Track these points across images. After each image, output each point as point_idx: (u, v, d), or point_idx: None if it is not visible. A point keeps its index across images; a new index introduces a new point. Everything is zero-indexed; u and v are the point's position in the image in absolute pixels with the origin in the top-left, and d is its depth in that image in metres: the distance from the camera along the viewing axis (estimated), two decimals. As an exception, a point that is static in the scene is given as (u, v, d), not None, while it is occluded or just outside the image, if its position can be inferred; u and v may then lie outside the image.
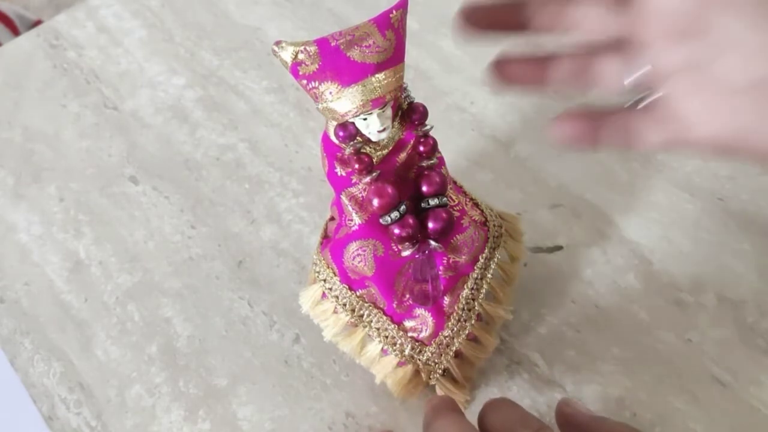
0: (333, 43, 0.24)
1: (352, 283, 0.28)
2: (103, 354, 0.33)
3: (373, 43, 0.24)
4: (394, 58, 0.24)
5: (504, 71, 0.27)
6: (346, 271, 0.28)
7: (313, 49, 0.24)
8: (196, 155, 0.40)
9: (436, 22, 0.45)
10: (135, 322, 0.34)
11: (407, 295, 0.27)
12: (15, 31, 0.72)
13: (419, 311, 0.28)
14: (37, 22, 0.76)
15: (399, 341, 0.28)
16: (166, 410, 0.31)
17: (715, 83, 0.25)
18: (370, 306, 0.28)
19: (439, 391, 0.29)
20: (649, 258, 0.34)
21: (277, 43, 0.24)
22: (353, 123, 0.25)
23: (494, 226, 0.29)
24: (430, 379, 0.29)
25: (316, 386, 0.31)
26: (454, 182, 0.29)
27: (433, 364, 0.28)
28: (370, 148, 0.26)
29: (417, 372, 0.29)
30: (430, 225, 0.26)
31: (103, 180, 0.39)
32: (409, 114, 0.27)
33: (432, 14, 0.45)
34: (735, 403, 0.30)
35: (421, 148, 0.27)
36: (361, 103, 0.24)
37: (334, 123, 0.25)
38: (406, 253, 0.26)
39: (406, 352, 0.28)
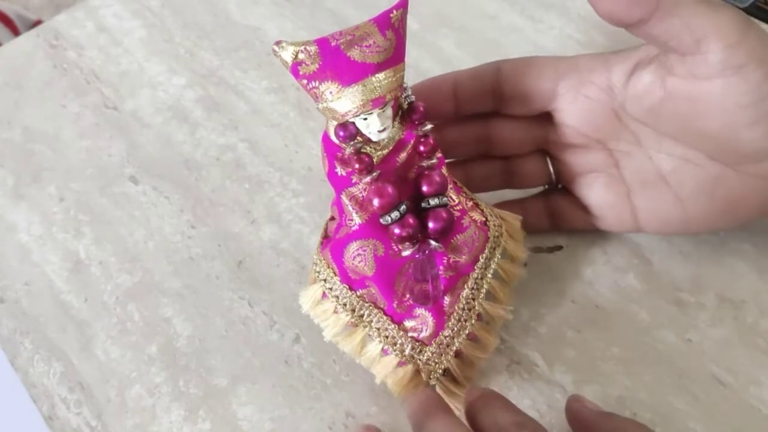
0: (333, 43, 0.24)
1: (352, 282, 0.28)
2: (103, 354, 0.33)
3: (374, 42, 0.24)
4: (394, 57, 0.24)
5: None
6: (347, 270, 0.28)
7: (313, 48, 0.24)
8: (196, 155, 0.40)
9: (436, 22, 0.45)
10: (135, 322, 0.34)
11: (407, 295, 0.27)
12: (15, 31, 0.72)
13: (419, 311, 0.28)
14: (37, 22, 0.76)
15: (399, 341, 0.28)
16: (166, 410, 0.31)
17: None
18: (370, 306, 0.28)
19: (440, 391, 0.29)
20: (649, 258, 0.34)
21: (278, 43, 0.24)
22: (353, 123, 0.25)
23: (494, 226, 0.29)
24: (430, 378, 0.29)
25: (316, 386, 0.31)
26: (455, 182, 0.29)
27: (433, 363, 0.28)
28: (371, 148, 0.26)
29: (417, 372, 0.29)
30: (431, 225, 0.26)
31: (103, 180, 0.39)
32: (409, 114, 0.27)
33: (432, 14, 0.45)
34: (735, 403, 0.30)
35: (422, 148, 0.27)
36: (361, 102, 0.24)
37: (335, 123, 0.25)
38: (406, 253, 0.26)
39: (407, 352, 0.28)
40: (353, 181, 0.26)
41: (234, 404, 0.31)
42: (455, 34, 0.44)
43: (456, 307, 0.28)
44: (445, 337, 0.28)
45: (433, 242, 0.26)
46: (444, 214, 0.26)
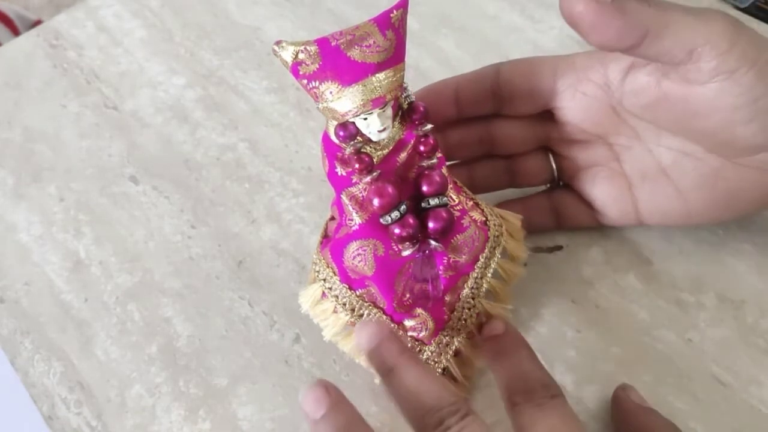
0: (333, 43, 0.24)
1: (352, 282, 0.28)
2: (103, 354, 0.33)
3: (374, 42, 0.24)
4: (394, 57, 0.24)
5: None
6: (346, 270, 0.28)
7: (313, 48, 0.24)
8: (196, 155, 0.40)
9: (436, 22, 0.45)
10: (135, 322, 0.34)
11: (407, 295, 0.27)
12: (15, 31, 0.72)
13: (419, 311, 0.28)
14: (37, 22, 0.76)
15: (399, 341, 0.28)
16: (166, 410, 0.31)
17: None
18: (370, 305, 0.28)
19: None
20: (649, 258, 0.34)
21: (278, 43, 0.24)
22: (353, 123, 0.25)
23: (494, 225, 0.29)
24: (430, 378, 0.29)
25: (316, 386, 0.31)
26: (455, 182, 0.29)
27: (432, 363, 0.28)
28: (371, 147, 0.26)
29: (417, 372, 0.29)
30: (431, 225, 0.26)
31: (103, 180, 0.39)
32: (409, 114, 0.27)
33: (432, 14, 0.45)
34: (735, 403, 0.30)
35: (422, 148, 0.27)
36: (361, 102, 0.24)
37: (335, 123, 0.25)
38: (406, 253, 0.26)
39: (407, 351, 0.28)
40: (353, 181, 0.26)
41: (234, 404, 0.31)
42: (455, 34, 0.44)
43: (456, 307, 0.28)
44: (445, 336, 0.28)
45: (433, 242, 0.26)
46: (444, 214, 0.26)
